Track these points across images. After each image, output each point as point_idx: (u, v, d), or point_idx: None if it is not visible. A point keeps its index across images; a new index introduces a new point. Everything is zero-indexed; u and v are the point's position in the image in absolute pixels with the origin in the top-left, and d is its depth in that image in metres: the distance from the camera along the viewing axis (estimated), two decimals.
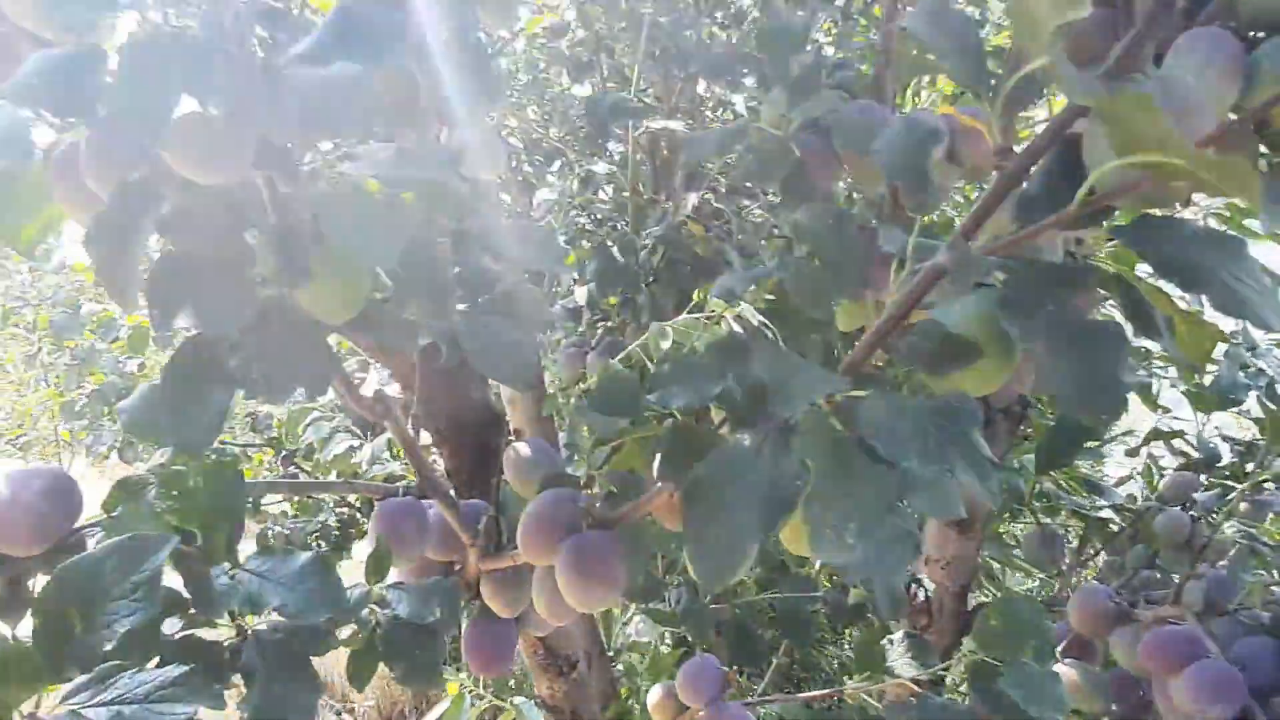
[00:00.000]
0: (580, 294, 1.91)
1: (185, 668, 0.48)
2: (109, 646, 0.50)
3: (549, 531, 0.80)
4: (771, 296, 1.02)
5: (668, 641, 2.51)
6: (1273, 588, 1.09)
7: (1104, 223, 0.48)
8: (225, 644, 0.67)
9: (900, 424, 0.43)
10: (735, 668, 1.11)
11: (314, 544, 2.84)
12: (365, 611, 0.80)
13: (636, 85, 1.64)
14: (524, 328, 0.84)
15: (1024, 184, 0.52)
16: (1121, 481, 2.00)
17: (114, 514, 0.64)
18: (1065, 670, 1.21)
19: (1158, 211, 0.47)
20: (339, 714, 4.74)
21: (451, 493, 0.94)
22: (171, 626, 0.64)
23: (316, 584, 0.61)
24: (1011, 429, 1.38)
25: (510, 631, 1.06)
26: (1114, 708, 1.49)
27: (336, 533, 2.87)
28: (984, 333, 0.50)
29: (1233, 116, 0.52)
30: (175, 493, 0.61)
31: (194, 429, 0.56)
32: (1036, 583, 2.37)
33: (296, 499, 3.74)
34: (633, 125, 1.76)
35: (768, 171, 0.87)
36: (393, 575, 0.91)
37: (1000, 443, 1.38)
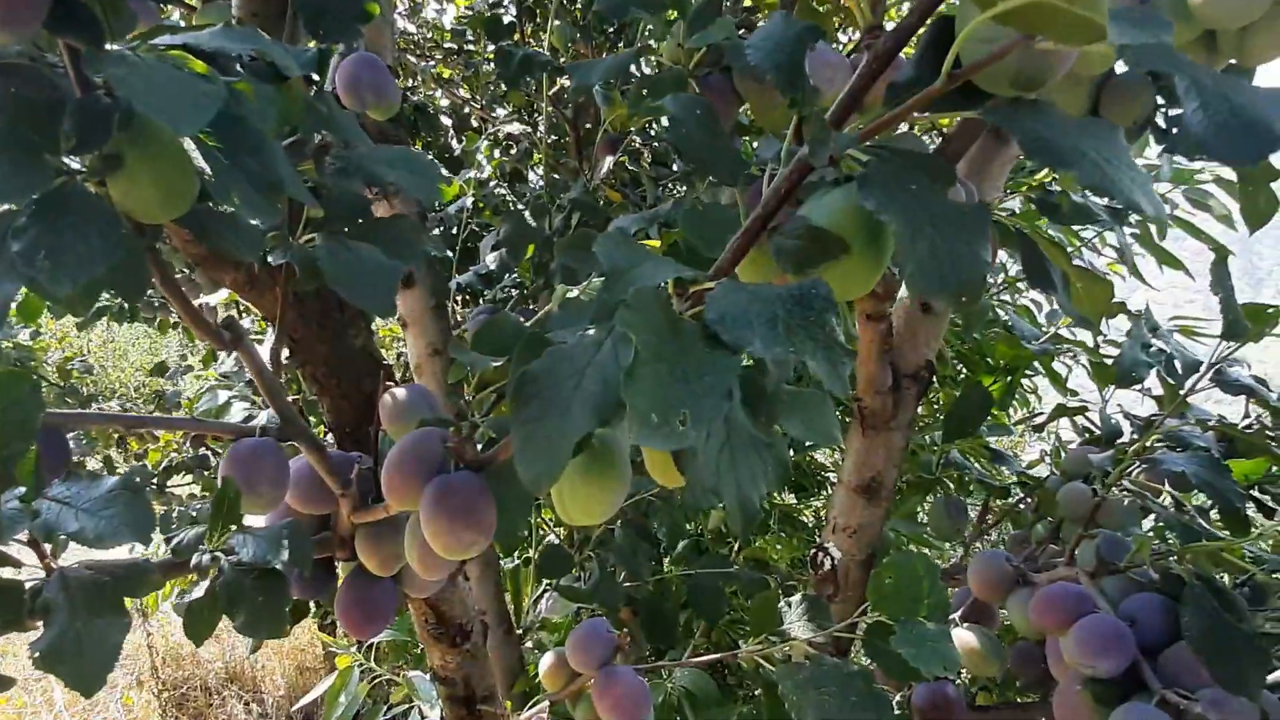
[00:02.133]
0: (492, 259, 1.84)
1: None
2: None
3: (413, 472, 0.74)
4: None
5: (582, 619, 2.47)
6: (1163, 546, 1.10)
7: (975, 108, 0.44)
8: (27, 584, 0.60)
9: (748, 308, 0.39)
10: (625, 631, 1.07)
11: None
12: (207, 559, 0.73)
13: (551, 37, 1.58)
14: (396, 256, 0.78)
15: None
16: (1033, 464, 2.03)
17: None
18: (964, 634, 1.20)
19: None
20: (247, 704, 4.57)
21: (320, 437, 0.88)
22: None
23: (122, 509, 0.54)
24: (919, 394, 1.37)
25: (387, 592, 1.00)
26: (1019, 680, 1.50)
27: None
28: (852, 227, 0.46)
29: None
30: None
31: None
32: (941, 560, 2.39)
33: (203, 479, 3.58)
34: (547, 84, 1.70)
35: (654, 109, 0.82)
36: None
37: (907, 408, 1.36)
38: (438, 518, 0.71)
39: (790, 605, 1.07)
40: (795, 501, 3.08)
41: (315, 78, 0.75)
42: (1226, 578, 1.07)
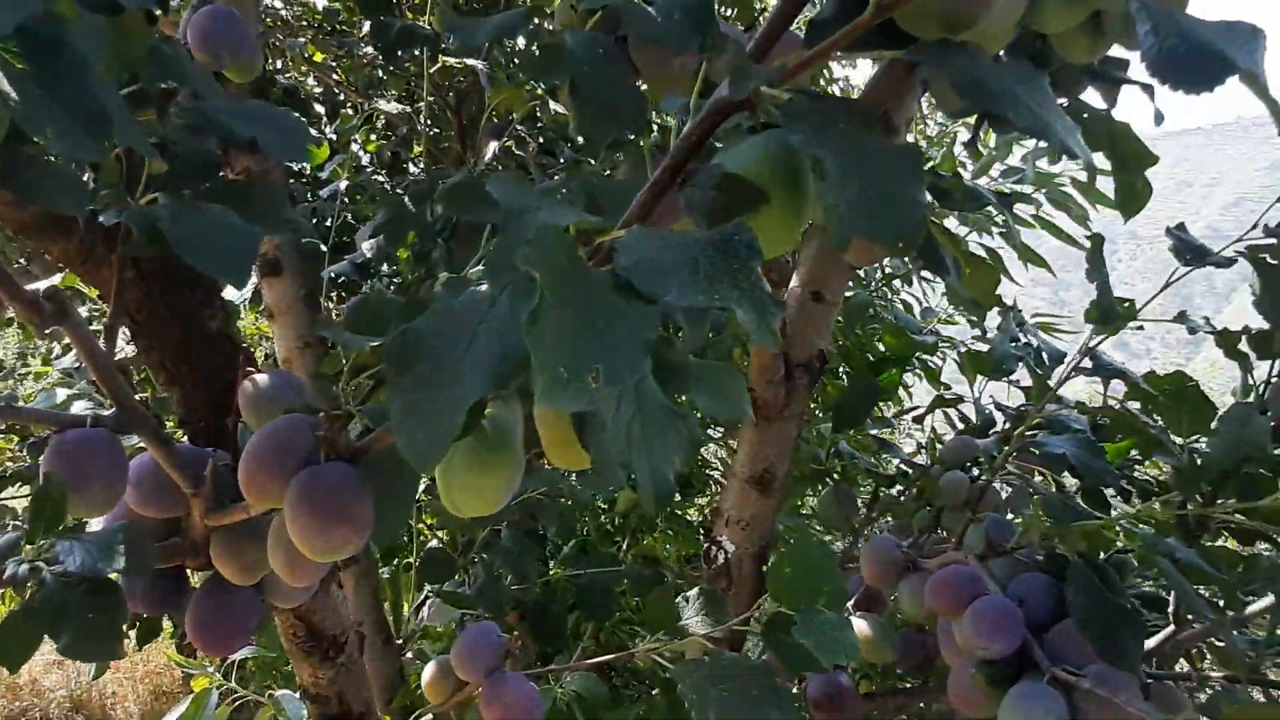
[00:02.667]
0: (368, 247, 1.73)
1: None
2: None
3: (276, 464, 0.66)
4: None
5: (466, 626, 2.37)
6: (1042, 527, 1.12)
7: (901, 49, 0.41)
8: None
9: (664, 254, 0.34)
10: (515, 635, 1.01)
11: None
12: (24, 570, 0.62)
13: (431, 18, 1.49)
14: (254, 222, 0.69)
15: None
16: (914, 454, 2.09)
17: None
18: (857, 622, 1.20)
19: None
20: None
21: (168, 429, 0.77)
22: None
23: None
24: (810, 384, 1.36)
25: (248, 603, 0.90)
26: (899, 667, 1.53)
27: None
28: (771, 175, 0.42)
29: None
30: None
31: None
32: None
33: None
34: (428, 64, 1.61)
35: (551, 69, 0.76)
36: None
37: (799, 398, 1.36)
38: (305, 514, 0.63)
39: (687, 601, 1.04)
40: (681, 499, 3.07)
41: (159, 14, 0.65)
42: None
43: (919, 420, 1.97)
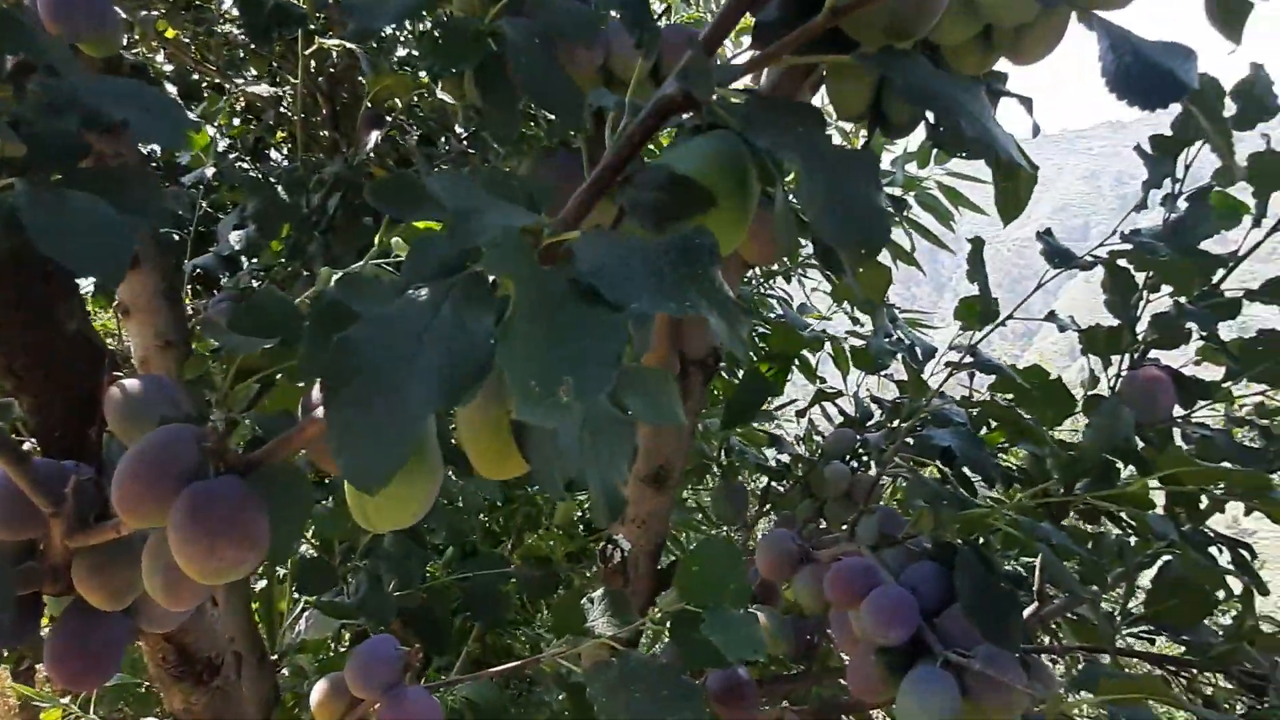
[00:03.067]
0: (235, 239, 1.62)
1: None
2: None
3: (157, 479, 0.60)
4: None
5: (346, 638, 2.26)
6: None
7: (849, 54, 0.42)
8: None
9: (629, 260, 0.33)
10: (416, 647, 0.96)
11: None
12: None
13: None
14: (127, 211, 0.63)
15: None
16: (796, 443, 2.16)
17: None
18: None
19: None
20: None
21: (19, 445, 0.69)
22: None
23: None
24: (705, 381, 1.38)
25: (116, 630, 0.82)
26: (783, 654, 1.57)
27: None
28: (718, 176, 0.41)
29: None
30: None
31: None
32: None
33: None
34: (302, 45, 1.52)
35: (455, 57, 0.73)
36: None
37: (695, 395, 1.37)
38: (196, 534, 0.58)
39: (592, 602, 1.02)
40: (570, 497, 3.05)
41: None
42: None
43: (801, 414, 2.03)
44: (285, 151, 2.57)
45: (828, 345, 2.39)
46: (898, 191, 2.34)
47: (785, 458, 1.68)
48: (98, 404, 0.86)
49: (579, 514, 3.17)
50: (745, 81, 0.83)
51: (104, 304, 2.20)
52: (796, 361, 2.69)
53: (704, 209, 0.41)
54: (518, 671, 1.12)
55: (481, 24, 0.81)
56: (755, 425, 2.12)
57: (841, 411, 1.92)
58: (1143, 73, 0.35)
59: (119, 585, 0.76)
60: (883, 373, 1.85)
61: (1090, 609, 0.99)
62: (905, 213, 2.33)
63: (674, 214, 0.41)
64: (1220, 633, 1.08)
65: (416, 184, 0.37)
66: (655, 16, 0.46)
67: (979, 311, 1.15)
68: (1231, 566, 1.25)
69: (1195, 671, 1.08)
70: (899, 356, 1.75)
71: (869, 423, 1.84)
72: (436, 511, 1.76)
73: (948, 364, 1.45)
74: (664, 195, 0.42)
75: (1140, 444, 1.17)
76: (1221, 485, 0.78)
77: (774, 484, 1.65)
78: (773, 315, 2.14)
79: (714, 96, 0.38)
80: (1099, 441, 0.95)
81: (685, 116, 0.44)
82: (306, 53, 1.49)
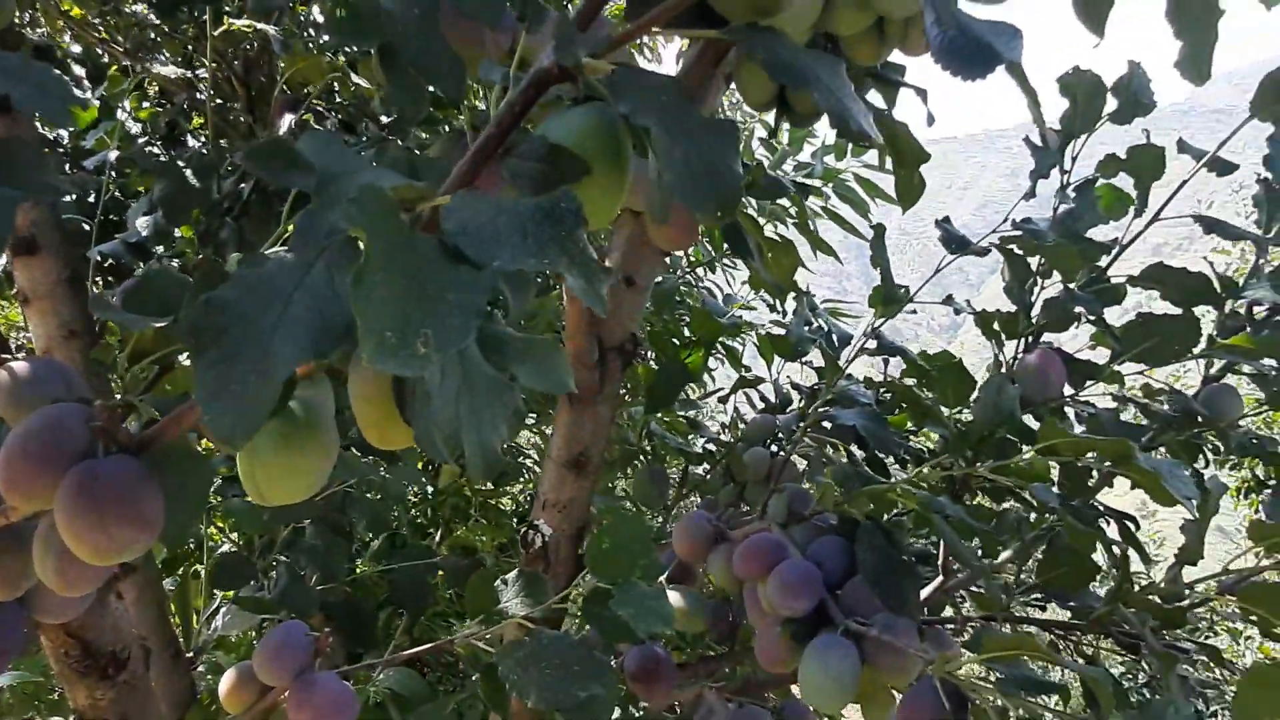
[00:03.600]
0: (144, 224, 1.57)
1: None
2: None
3: (45, 460, 0.59)
4: None
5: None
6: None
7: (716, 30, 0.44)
8: None
9: (494, 220, 0.34)
10: (326, 632, 0.96)
11: None
12: None
13: None
14: (12, 185, 0.61)
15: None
16: (719, 433, 2.20)
17: None
18: (670, 594, 1.24)
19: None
20: None
21: None
22: None
23: None
24: (623, 368, 1.39)
25: (9, 620, 0.80)
26: (707, 636, 1.60)
27: None
28: (594, 146, 0.43)
29: None
30: None
31: None
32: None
33: None
34: (211, 25, 1.48)
35: (358, 33, 0.73)
36: None
37: (613, 381, 1.38)
38: (83, 512, 0.57)
39: (506, 584, 1.03)
40: (494, 486, 3.05)
41: None
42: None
43: (723, 401, 2.07)
44: (204, 137, 2.50)
45: (754, 334, 2.44)
46: (817, 182, 2.39)
47: (703, 442, 1.71)
48: None
49: (513, 505, 3.17)
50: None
51: (7, 295, 2.11)
52: (724, 351, 2.74)
53: (579, 176, 0.43)
54: (435, 656, 1.12)
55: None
56: (681, 413, 2.15)
57: (763, 398, 1.96)
58: (965, 45, 0.38)
59: (10, 574, 0.74)
60: (804, 360, 1.90)
61: (984, 579, 1.04)
62: (825, 204, 2.39)
63: (552, 182, 0.43)
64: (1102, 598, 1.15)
65: (290, 148, 0.37)
66: None
67: (881, 298, 1.20)
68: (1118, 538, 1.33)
69: (1080, 634, 1.15)
70: (818, 344, 1.80)
71: (788, 408, 1.89)
72: (358, 502, 1.74)
73: (863, 348, 1.50)
74: (542, 165, 0.43)
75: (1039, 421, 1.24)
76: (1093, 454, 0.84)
77: (694, 469, 1.68)
78: (702, 304, 2.17)
79: (583, 68, 0.40)
80: (984, 416, 1.00)
81: (565, 88, 0.45)
82: (215, 33, 1.45)
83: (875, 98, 1.03)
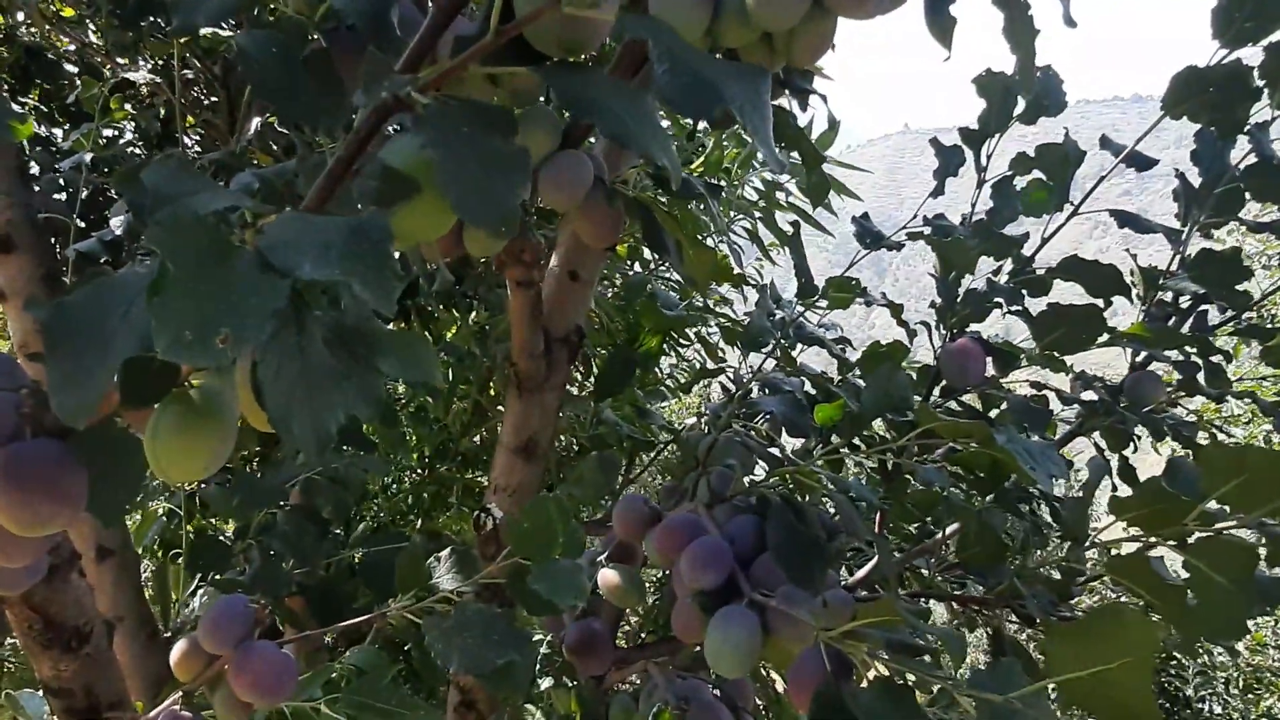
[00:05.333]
0: (118, 224, 1.64)
1: None
2: None
3: None
4: None
5: None
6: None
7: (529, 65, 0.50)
8: None
9: (301, 236, 0.40)
10: (262, 602, 1.03)
11: None
12: None
13: None
14: None
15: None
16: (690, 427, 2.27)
17: None
18: (609, 573, 1.31)
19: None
20: None
21: None
22: None
23: None
24: (570, 357, 1.46)
25: None
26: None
27: None
28: (422, 167, 0.49)
29: None
30: None
31: None
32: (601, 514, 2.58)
33: None
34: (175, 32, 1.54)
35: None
36: None
37: (560, 370, 1.45)
38: (8, 490, 0.64)
39: (439, 560, 1.10)
40: (479, 475, 3.12)
41: None
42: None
43: (687, 390, 2.13)
44: (192, 138, 2.57)
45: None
46: (784, 178, 2.45)
47: (655, 428, 1.77)
48: None
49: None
50: None
51: None
52: (699, 340, 2.80)
53: (409, 194, 0.49)
54: (367, 627, 1.20)
55: (305, 23, 0.87)
56: (648, 403, 2.22)
57: (723, 388, 2.03)
58: (691, 87, 0.44)
59: None
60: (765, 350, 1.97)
61: (881, 555, 1.10)
62: (788, 198, 2.45)
63: (387, 199, 0.49)
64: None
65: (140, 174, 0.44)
66: (393, 26, 0.53)
67: (799, 288, 1.26)
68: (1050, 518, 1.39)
69: (988, 608, 1.21)
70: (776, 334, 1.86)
71: (749, 395, 1.95)
72: (324, 488, 1.82)
73: (795, 332, 1.56)
74: (380, 184, 0.49)
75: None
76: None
77: (642, 455, 1.75)
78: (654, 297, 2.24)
79: (413, 101, 0.46)
80: (874, 401, 1.06)
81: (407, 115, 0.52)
82: (182, 40, 1.52)
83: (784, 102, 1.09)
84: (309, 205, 0.51)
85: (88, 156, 1.68)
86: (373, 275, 0.40)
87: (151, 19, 1.48)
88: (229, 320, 0.37)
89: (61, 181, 2.04)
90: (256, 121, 1.61)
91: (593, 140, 1.21)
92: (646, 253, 2.88)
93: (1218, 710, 6.16)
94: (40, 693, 1.23)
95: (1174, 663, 6.04)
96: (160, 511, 2.00)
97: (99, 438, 0.72)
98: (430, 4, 0.59)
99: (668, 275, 2.77)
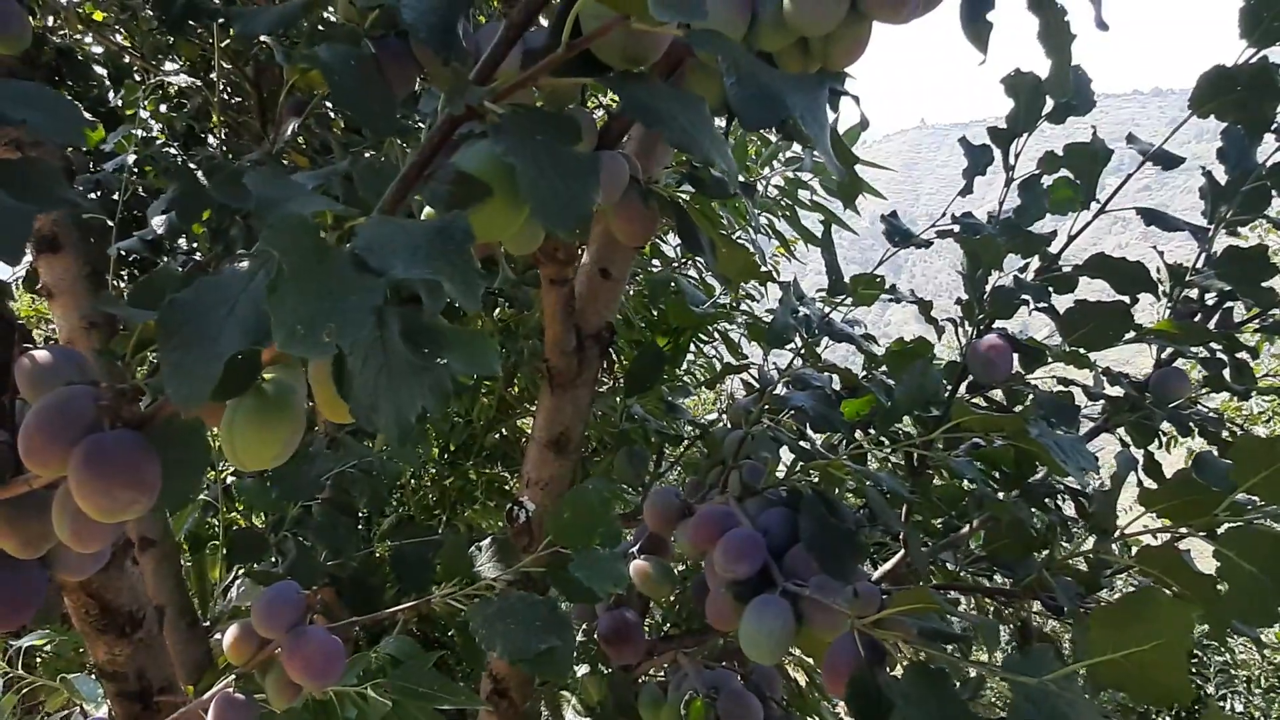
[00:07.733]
0: (159, 223, 1.69)
1: None
2: None
3: (58, 431, 0.70)
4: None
5: None
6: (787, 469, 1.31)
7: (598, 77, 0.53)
8: None
9: (394, 237, 0.44)
10: (315, 590, 1.07)
11: None
12: None
13: None
14: (26, 199, 0.72)
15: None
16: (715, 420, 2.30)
17: None
18: (640, 563, 1.34)
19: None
20: None
21: None
22: None
23: None
24: (601, 354, 1.49)
25: (32, 577, 0.91)
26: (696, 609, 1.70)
27: None
28: (493, 173, 0.52)
29: None
30: None
31: None
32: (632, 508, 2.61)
33: None
34: (220, 36, 1.59)
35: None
36: None
37: (591, 366, 1.48)
38: (90, 476, 0.68)
39: (480, 550, 1.14)
40: (503, 470, 3.16)
41: None
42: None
43: (711, 386, 2.16)
44: (222, 138, 2.62)
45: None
46: (807, 176, 2.47)
47: (682, 423, 1.80)
48: (9, 373, 0.95)
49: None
50: None
51: (33, 289, 2.25)
52: (721, 338, 2.82)
53: (481, 198, 0.52)
54: (429, 635, 1.23)
55: (356, 31, 0.91)
56: (676, 398, 2.24)
57: (745, 384, 2.05)
58: (758, 98, 0.46)
59: (32, 534, 0.85)
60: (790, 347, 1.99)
61: (912, 547, 1.13)
62: (811, 197, 2.47)
63: (460, 203, 0.52)
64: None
65: (242, 179, 0.47)
66: (459, 35, 0.56)
67: (831, 284, 1.28)
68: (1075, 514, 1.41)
69: (1020, 601, 1.23)
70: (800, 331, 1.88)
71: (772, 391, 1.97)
72: (360, 481, 1.86)
73: (826, 329, 1.59)
74: (452, 188, 0.52)
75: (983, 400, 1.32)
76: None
77: (670, 449, 1.78)
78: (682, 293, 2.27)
79: (487, 110, 0.49)
80: (908, 396, 1.08)
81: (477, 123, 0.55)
82: (224, 44, 1.56)
83: None
84: (385, 208, 0.54)
85: (130, 157, 1.72)
86: (459, 274, 0.43)
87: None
88: (333, 317, 0.40)
89: (98, 181, 2.09)
90: (294, 123, 1.64)
91: (625, 140, 1.24)
92: (668, 250, 2.91)
93: (1239, 708, 6.14)
94: (94, 676, 1.28)
95: (1195, 660, 6.02)
96: (198, 504, 2.04)
97: (169, 430, 0.75)
98: (502, 17, 0.62)
99: (687, 272, 2.80)
